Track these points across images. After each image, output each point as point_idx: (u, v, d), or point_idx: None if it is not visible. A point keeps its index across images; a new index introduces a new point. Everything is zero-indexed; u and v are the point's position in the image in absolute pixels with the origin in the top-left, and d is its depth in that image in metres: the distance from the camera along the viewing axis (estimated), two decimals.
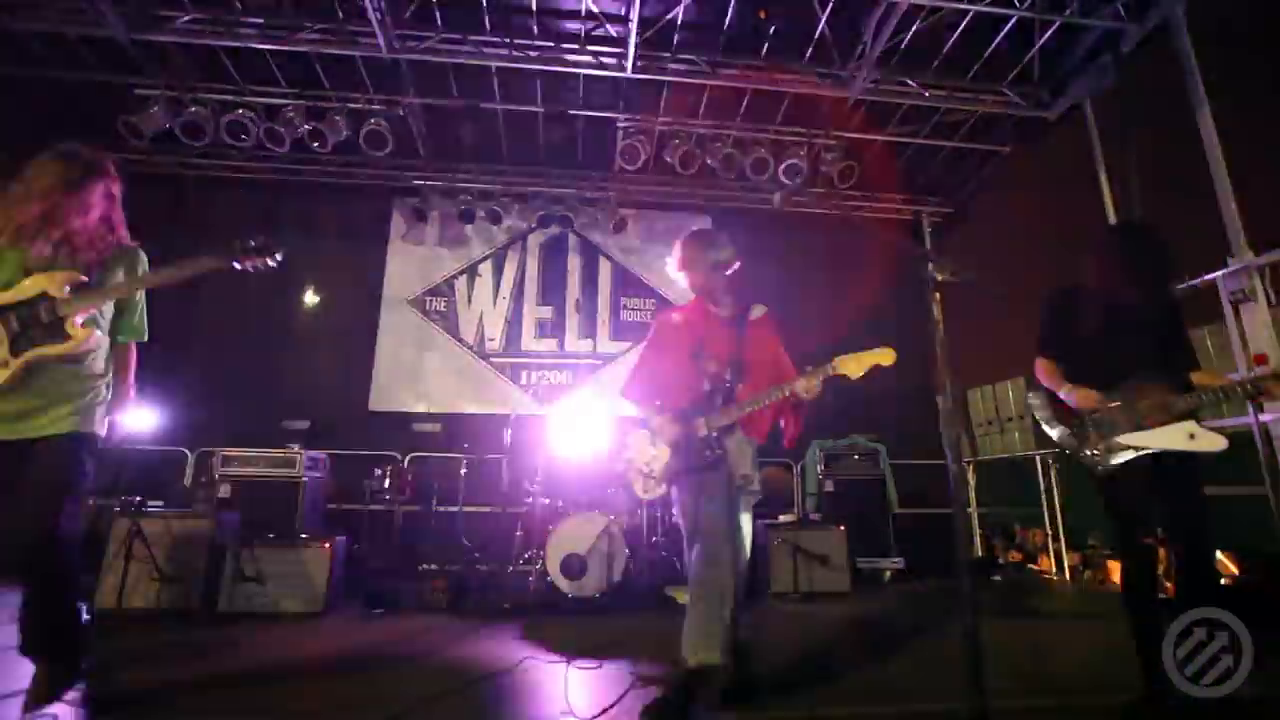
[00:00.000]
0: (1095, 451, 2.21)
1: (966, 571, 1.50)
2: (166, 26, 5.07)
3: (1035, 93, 5.67)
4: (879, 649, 3.04)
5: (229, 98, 5.77)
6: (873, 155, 6.62)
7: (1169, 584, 2.79)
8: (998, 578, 5.50)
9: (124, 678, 2.33)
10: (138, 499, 3.94)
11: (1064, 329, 2.39)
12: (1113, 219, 5.27)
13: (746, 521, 2.37)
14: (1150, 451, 2.10)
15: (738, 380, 2.40)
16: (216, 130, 5.64)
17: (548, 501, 4.72)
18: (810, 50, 5.45)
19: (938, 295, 1.56)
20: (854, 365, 2.33)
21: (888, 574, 5.35)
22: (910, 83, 5.63)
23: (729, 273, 2.52)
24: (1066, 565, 5.27)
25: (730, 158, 6.00)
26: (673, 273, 2.59)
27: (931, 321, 1.54)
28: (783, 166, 6.02)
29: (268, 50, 5.38)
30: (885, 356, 2.33)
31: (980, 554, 6.17)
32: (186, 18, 5.09)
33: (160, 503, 4.28)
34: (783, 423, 2.51)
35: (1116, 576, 4.41)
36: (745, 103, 6.01)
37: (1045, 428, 2.43)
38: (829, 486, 5.71)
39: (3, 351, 1.86)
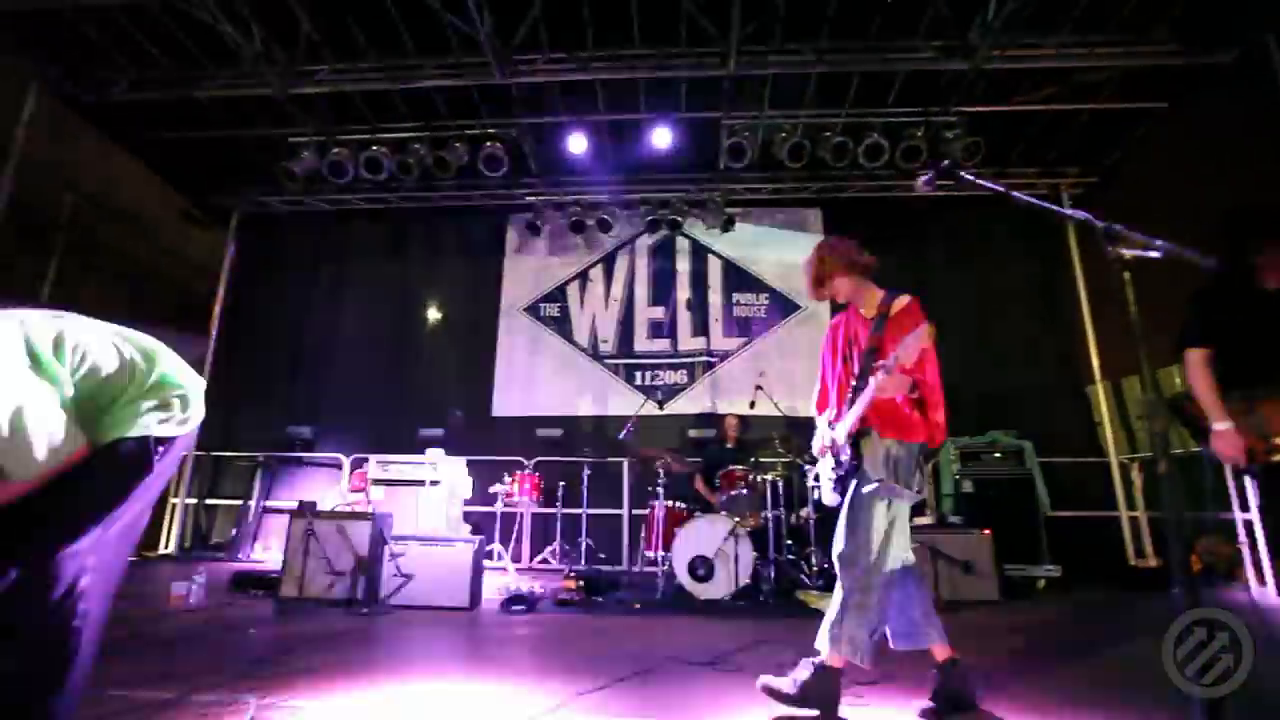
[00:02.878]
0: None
1: (1183, 585, 1.32)
2: (311, 79, 5.69)
3: (1200, 37, 4.97)
4: (1063, 663, 2.77)
5: (364, 136, 6.36)
6: (1000, 128, 6.11)
7: None
8: (1176, 590, 4.85)
9: (314, 659, 2.61)
10: (312, 501, 4.41)
11: (1220, 321, 2.13)
12: None
13: (880, 522, 2.17)
14: None
15: (855, 386, 2.32)
16: (356, 167, 6.22)
17: (671, 504, 4.76)
18: (924, 22, 5.13)
19: (1127, 275, 1.40)
20: (906, 354, 2.11)
21: (1041, 582, 4.89)
22: (1041, 44, 5.13)
23: (869, 272, 2.47)
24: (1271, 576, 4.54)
25: (841, 146, 5.77)
26: (810, 289, 2.54)
27: (1125, 304, 1.38)
28: (899, 150, 5.71)
29: (395, 90, 5.88)
30: (925, 337, 2.12)
31: (1154, 563, 5.48)
32: (326, 69, 5.68)
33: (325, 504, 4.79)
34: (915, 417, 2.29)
35: None
36: (854, 87, 5.76)
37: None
38: (967, 487, 5.33)
39: None
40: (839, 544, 2.23)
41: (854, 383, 2.35)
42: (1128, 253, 1.40)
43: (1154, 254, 1.39)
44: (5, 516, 1.37)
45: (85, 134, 6.18)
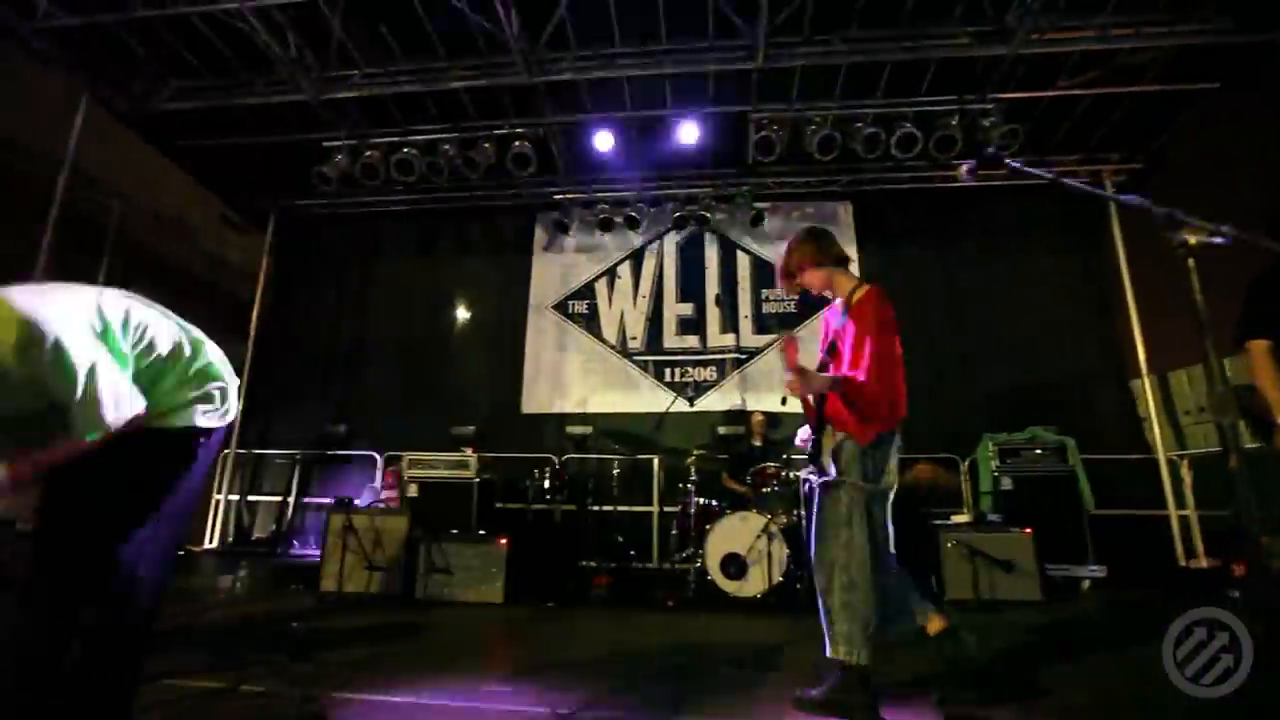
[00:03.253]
0: None
1: (1255, 586, 1.25)
2: (344, 84, 5.79)
3: (1256, 14, 4.74)
4: (1107, 665, 2.68)
5: (395, 139, 6.45)
6: (1039, 114, 5.94)
7: None
8: (1236, 594, 4.66)
9: (356, 652, 2.67)
10: (349, 498, 4.50)
11: None
12: None
13: (838, 515, 2.19)
14: None
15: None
16: (387, 170, 6.31)
17: (702, 501, 4.74)
18: (959, 7, 5.00)
19: (1191, 263, 1.34)
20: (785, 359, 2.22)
21: (1086, 583, 4.75)
22: (1083, 26, 4.96)
23: (842, 264, 2.47)
24: None
25: (873, 137, 5.66)
26: (781, 280, 2.57)
27: (1189, 293, 1.32)
28: (933, 140, 5.57)
29: (425, 93, 5.95)
30: (784, 343, 2.24)
31: (1206, 564, 5.27)
32: (358, 74, 5.77)
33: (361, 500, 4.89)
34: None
35: None
36: (886, 76, 5.64)
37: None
38: (1006, 484, 5.19)
39: None
40: (810, 546, 2.25)
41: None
42: (1192, 238, 1.34)
43: (1219, 240, 1.33)
44: (69, 515, 1.45)
45: (130, 143, 6.40)
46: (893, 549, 2.34)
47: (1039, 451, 5.19)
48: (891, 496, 2.35)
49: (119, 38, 5.44)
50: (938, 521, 4.56)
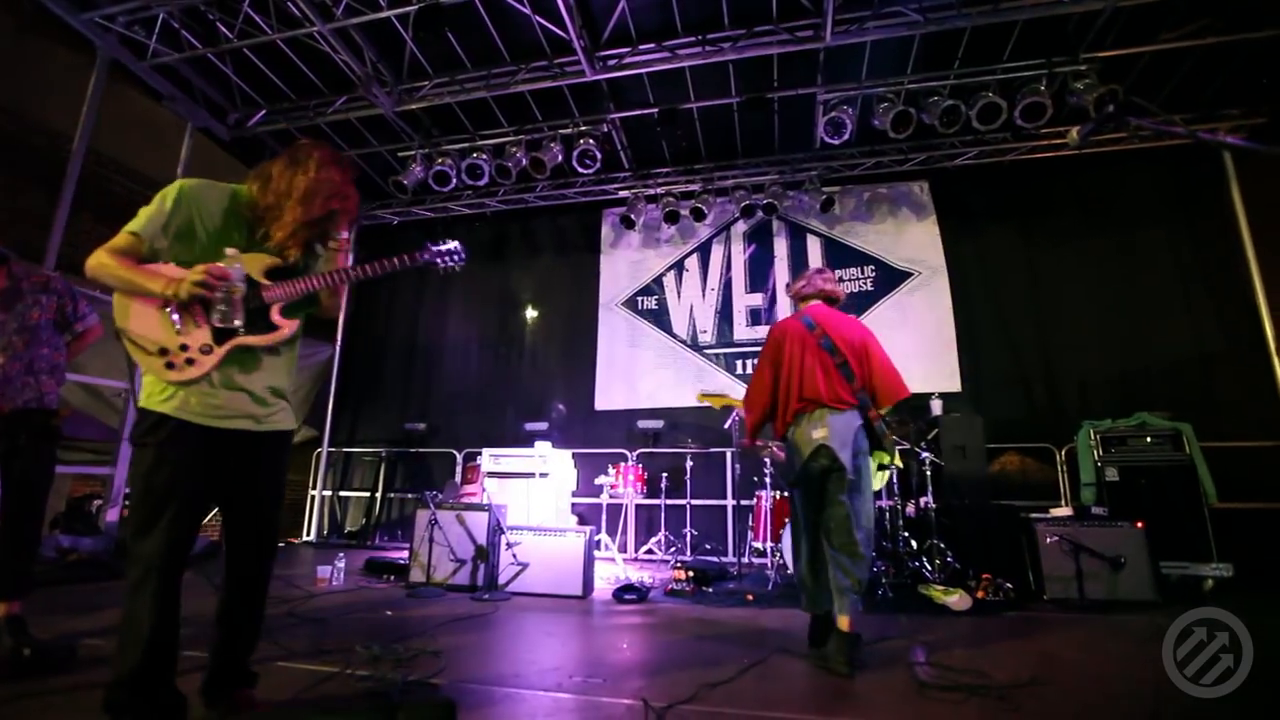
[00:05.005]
0: None
1: None
2: (416, 95, 6.02)
3: None
4: None
5: (465, 144, 6.66)
6: (1140, 71, 5.44)
7: None
8: None
9: (448, 639, 2.77)
10: (435, 493, 4.69)
11: None
12: None
13: None
14: None
15: None
16: (459, 175, 6.52)
17: (778, 494, 4.64)
18: None
19: None
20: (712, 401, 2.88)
21: (1209, 583, 4.33)
22: None
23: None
24: None
25: (952, 110, 5.35)
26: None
27: None
28: (1019, 109, 5.21)
29: (491, 98, 6.10)
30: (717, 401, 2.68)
31: None
32: (429, 84, 5.99)
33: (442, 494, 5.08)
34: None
35: None
36: (964, 43, 5.32)
37: None
38: (1111, 475, 4.79)
39: (206, 336, 1.67)
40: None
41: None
42: None
43: None
44: None
45: (228, 166, 6.90)
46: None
47: (1149, 439, 4.75)
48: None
49: (215, 69, 5.88)
50: (1034, 515, 4.27)
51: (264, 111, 6.37)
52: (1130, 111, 4.97)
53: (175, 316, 1.64)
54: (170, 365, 1.63)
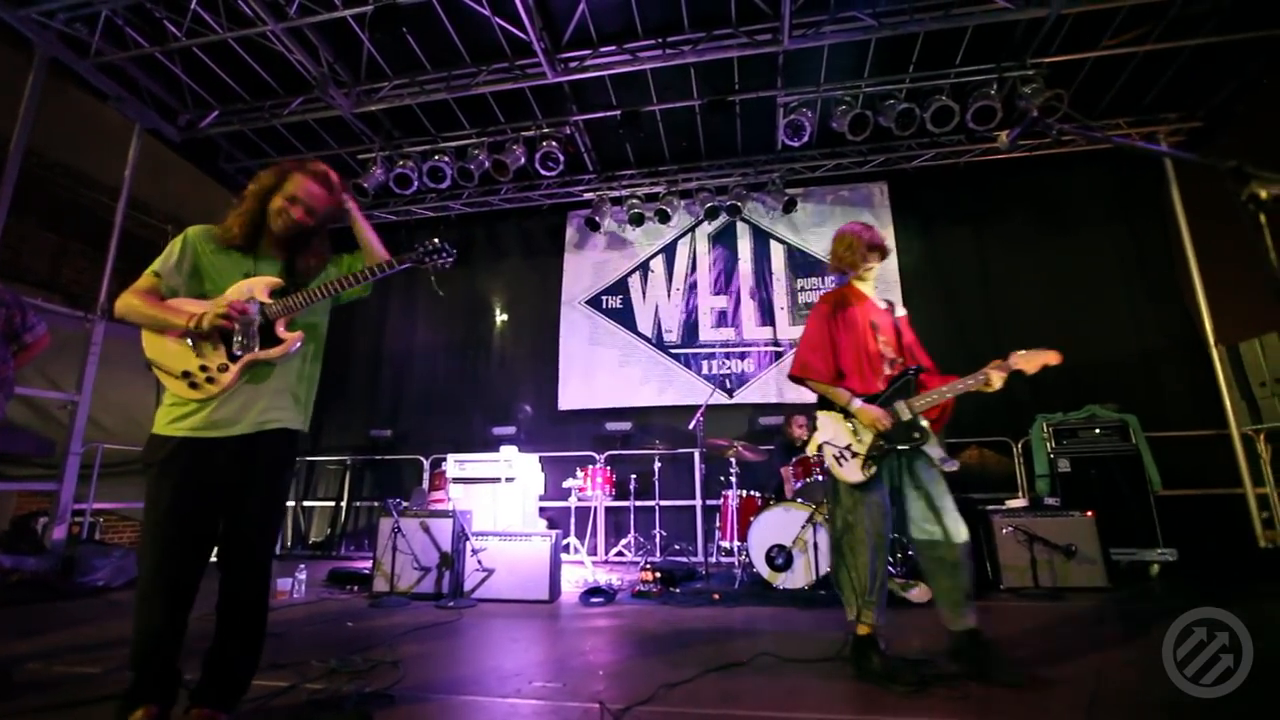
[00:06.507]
0: None
1: None
2: (376, 96, 5.92)
3: None
4: None
5: (426, 146, 6.58)
6: (1084, 76, 5.65)
7: None
8: None
9: (409, 649, 2.73)
10: (398, 500, 4.61)
11: None
12: None
13: (950, 499, 2.46)
14: None
15: (917, 369, 2.52)
16: (421, 177, 6.44)
17: (744, 493, 4.69)
18: None
19: (1263, 218, 1.23)
20: (1028, 363, 2.41)
21: (1155, 568, 4.51)
22: None
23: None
24: None
25: (907, 113, 5.48)
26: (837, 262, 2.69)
27: (1265, 254, 1.22)
28: (970, 112, 5.35)
29: (453, 99, 6.03)
30: (1054, 357, 2.41)
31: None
32: (388, 85, 5.90)
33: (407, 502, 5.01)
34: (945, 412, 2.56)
35: None
36: (917, 48, 5.45)
37: None
38: (1064, 466, 4.97)
39: (222, 356, 1.85)
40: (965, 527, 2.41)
41: (910, 366, 2.53)
42: (1263, 192, 1.23)
43: None
44: None
45: (178, 169, 6.70)
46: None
47: (1098, 431, 4.95)
48: None
49: (165, 68, 5.70)
50: (990, 507, 4.39)
51: (216, 113, 6.20)
52: (1055, 116, 5.16)
53: (190, 342, 1.85)
54: (193, 385, 1.82)
